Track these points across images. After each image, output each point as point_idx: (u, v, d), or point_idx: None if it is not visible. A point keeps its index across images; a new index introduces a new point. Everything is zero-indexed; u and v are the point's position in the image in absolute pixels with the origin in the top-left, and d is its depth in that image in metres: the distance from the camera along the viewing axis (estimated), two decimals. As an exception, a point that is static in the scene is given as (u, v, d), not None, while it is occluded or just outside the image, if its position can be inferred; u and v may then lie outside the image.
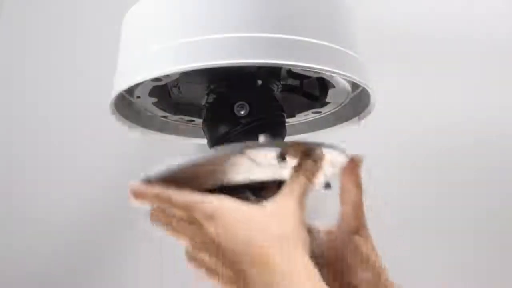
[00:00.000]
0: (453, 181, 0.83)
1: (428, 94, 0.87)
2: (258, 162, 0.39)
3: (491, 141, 0.84)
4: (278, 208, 0.37)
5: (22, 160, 0.85)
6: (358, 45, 0.44)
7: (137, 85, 0.44)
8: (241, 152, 0.38)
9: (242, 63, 0.37)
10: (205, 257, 0.37)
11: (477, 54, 0.88)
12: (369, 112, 0.50)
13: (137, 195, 0.39)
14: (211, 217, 0.36)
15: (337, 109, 0.53)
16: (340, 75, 0.40)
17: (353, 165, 0.44)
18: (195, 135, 0.57)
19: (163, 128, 0.55)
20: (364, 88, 0.44)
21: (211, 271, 0.37)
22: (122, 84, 0.42)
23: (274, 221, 0.36)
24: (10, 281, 0.79)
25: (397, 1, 0.92)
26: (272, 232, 0.35)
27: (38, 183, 0.84)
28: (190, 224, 0.37)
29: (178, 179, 0.38)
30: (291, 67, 0.44)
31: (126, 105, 0.50)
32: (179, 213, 0.38)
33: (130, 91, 0.48)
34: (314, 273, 0.34)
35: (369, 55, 0.45)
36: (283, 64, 0.38)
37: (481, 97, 0.87)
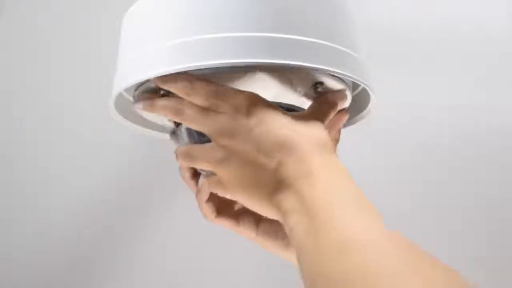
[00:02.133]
0: (453, 181, 0.83)
1: (428, 94, 0.87)
2: (293, 83, 0.40)
3: (491, 141, 0.84)
4: (310, 122, 0.38)
5: (22, 160, 0.85)
6: (358, 44, 0.43)
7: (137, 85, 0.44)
8: (282, 70, 0.39)
9: (242, 63, 0.37)
10: (238, 144, 0.36)
11: (477, 54, 0.88)
12: (369, 112, 0.50)
13: (166, 80, 0.39)
14: (246, 110, 0.36)
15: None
16: (340, 75, 0.40)
17: (335, 121, 0.45)
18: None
19: (163, 128, 0.55)
20: (364, 88, 0.44)
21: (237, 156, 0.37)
22: (122, 84, 0.42)
23: (308, 128, 0.37)
24: (10, 281, 0.79)
25: (397, 1, 0.92)
26: (308, 136, 0.36)
27: (38, 183, 0.84)
28: (212, 114, 0.38)
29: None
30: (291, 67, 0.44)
31: (126, 105, 0.50)
32: (200, 102, 0.38)
33: (130, 91, 0.48)
34: (348, 174, 0.35)
35: (369, 55, 0.45)
36: (282, 64, 0.37)
37: (481, 97, 0.86)
